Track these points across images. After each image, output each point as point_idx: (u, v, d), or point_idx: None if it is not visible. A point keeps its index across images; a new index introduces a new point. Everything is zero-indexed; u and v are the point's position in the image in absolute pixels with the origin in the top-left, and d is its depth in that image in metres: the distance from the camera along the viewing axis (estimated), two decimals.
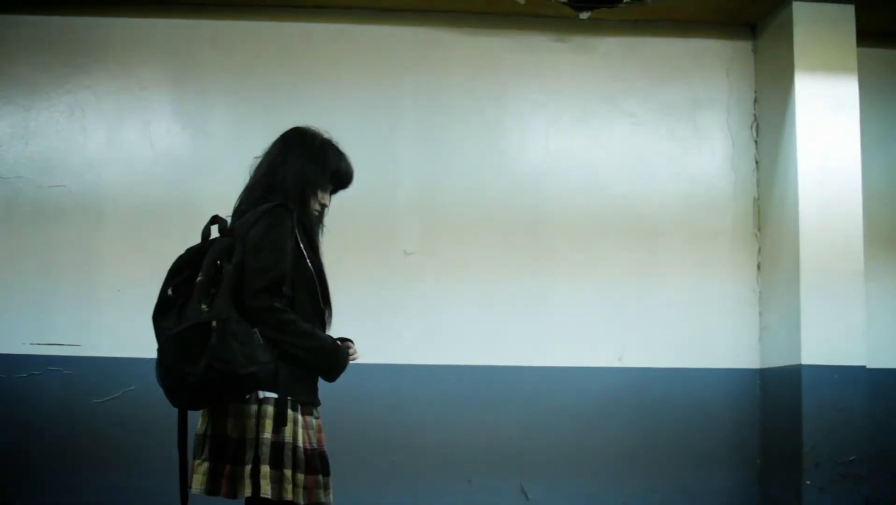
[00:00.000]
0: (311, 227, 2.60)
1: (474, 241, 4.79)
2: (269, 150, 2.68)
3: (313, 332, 2.50)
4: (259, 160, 2.68)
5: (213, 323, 2.24)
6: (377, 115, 4.83)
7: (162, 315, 2.35)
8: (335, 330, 2.68)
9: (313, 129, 2.71)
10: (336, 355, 2.55)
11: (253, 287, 2.38)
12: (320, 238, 2.68)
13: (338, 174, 2.69)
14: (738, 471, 4.75)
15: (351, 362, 2.63)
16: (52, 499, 4.44)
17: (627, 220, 4.87)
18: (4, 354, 4.52)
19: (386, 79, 4.87)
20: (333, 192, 2.74)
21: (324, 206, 2.69)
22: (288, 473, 2.37)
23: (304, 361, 2.49)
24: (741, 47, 5.04)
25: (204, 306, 2.27)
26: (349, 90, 4.83)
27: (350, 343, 2.66)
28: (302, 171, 2.60)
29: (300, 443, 2.42)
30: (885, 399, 4.77)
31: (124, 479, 4.43)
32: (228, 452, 2.37)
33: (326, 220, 2.76)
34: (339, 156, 2.70)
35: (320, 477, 2.45)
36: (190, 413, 2.42)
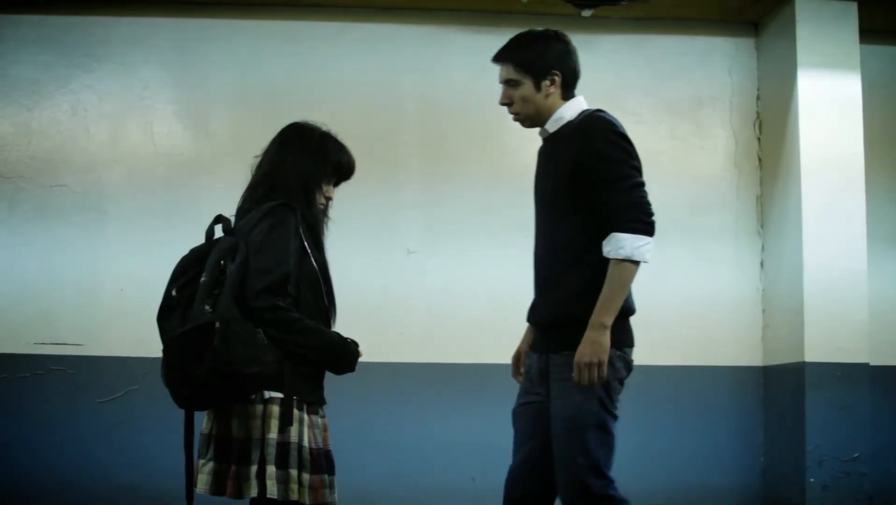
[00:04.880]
0: (315, 224, 2.59)
1: (477, 240, 4.79)
2: (269, 147, 2.66)
3: (318, 328, 2.50)
4: (259, 159, 2.67)
5: (217, 324, 2.23)
6: (379, 112, 4.83)
7: (166, 316, 2.35)
8: (338, 328, 2.67)
9: (311, 122, 2.69)
10: (343, 351, 2.55)
11: (255, 287, 2.38)
12: (325, 232, 2.68)
13: (339, 166, 2.67)
14: (742, 468, 4.75)
15: None
16: (55, 499, 4.44)
17: None
18: (8, 353, 4.53)
19: (387, 77, 4.88)
20: (337, 183, 2.72)
21: (328, 199, 2.67)
22: (294, 473, 2.37)
23: (311, 360, 2.48)
24: (744, 45, 5.04)
25: (207, 307, 2.27)
26: (351, 88, 4.83)
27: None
28: (303, 167, 2.58)
29: (306, 442, 2.42)
30: (888, 396, 4.77)
31: (129, 479, 4.43)
32: (234, 453, 2.36)
33: (330, 215, 2.75)
34: (340, 147, 2.68)
35: (326, 476, 2.45)
36: (196, 413, 2.42)
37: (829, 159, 4.56)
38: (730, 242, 4.91)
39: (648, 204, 2.54)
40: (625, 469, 4.62)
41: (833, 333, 4.45)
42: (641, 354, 4.70)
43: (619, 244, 2.48)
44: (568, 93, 2.67)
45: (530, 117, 2.68)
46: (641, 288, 4.75)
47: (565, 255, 2.60)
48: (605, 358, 2.45)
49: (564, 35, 2.69)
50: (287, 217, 2.48)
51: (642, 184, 2.56)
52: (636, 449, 4.70)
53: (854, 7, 4.64)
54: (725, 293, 4.86)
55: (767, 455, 4.75)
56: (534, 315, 2.77)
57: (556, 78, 2.62)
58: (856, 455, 4.41)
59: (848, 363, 4.45)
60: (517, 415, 2.74)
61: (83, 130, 4.75)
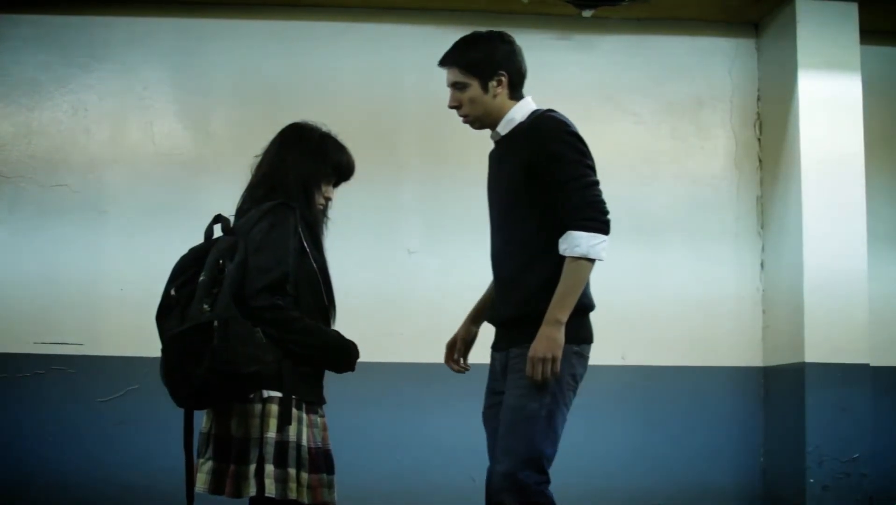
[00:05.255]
0: (314, 224, 2.60)
1: (477, 240, 4.77)
2: (269, 148, 2.67)
3: (317, 328, 2.50)
4: (259, 159, 2.67)
5: (215, 323, 2.24)
6: (379, 112, 4.83)
7: (165, 315, 2.35)
8: (338, 328, 2.67)
9: (311, 123, 2.70)
10: (343, 350, 2.56)
11: (254, 287, 2.38)
12: (324, 232, 2.68)
13: (339, 166, 2.67)
14: (742, 469, 4.75)
15: None
16: (55, 499, 4.44)
17: (630, 218, 4.85)
18: (8, 353, 4.53)
19: (387, 77, 4.88)
20: (336, 184, 2.73)
21: (328, 199, 2.68)
22: (292, 472, 2.37)
23: (310, 359, 2.49)
24: (744, 45, 5.04)
25: (206, 306, 2.27)
26: (351, 88, 4.83)
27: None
28: (303, 167, 2.59)
29: (304, 442, 2.42)
30: (888, 397, 4.77)
31: (129, 479, 4.43)
32: (233, 452, 2.36)
33: (330, 216, 2.76)
34: (339, 148, 2.69)
35: (324, 476, 2.45)
36: (196, 413, 2.42)
37: (829, 159, 4.56)
38: (730, 243, 4.91)
39: (603, 203, 2.57)
40: (625, 469, 4.68)
41: (833, 334, 4.45)
42: (641, 354, 4.77)
43: (575, 242, 2.50)
44: (516, 93, 2.69)
45: (479, 119, 2.69)
46: (642, 288, 4.82)
47: (522, 255, 2.62)
48: (559, 354, 2.47)
49: (509, 36, 2.71)
50: (286, 217, 2.49)
51: (596, 182, 2.58)
52: (636, 449, 4.71)
53: (854, 7, 4.64)
54: (725, 293, 4.86)
55: (767, 455, 4.74)
56: (494, 314, 2.79)
57: (503, 78, 2.64)
58: (856, 456, 4.41)
59: (848, 364, 4.45)
60: (487, 418, 2.77)
61: (83, 130, 4.75)
